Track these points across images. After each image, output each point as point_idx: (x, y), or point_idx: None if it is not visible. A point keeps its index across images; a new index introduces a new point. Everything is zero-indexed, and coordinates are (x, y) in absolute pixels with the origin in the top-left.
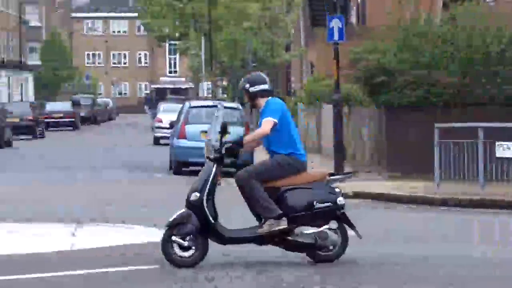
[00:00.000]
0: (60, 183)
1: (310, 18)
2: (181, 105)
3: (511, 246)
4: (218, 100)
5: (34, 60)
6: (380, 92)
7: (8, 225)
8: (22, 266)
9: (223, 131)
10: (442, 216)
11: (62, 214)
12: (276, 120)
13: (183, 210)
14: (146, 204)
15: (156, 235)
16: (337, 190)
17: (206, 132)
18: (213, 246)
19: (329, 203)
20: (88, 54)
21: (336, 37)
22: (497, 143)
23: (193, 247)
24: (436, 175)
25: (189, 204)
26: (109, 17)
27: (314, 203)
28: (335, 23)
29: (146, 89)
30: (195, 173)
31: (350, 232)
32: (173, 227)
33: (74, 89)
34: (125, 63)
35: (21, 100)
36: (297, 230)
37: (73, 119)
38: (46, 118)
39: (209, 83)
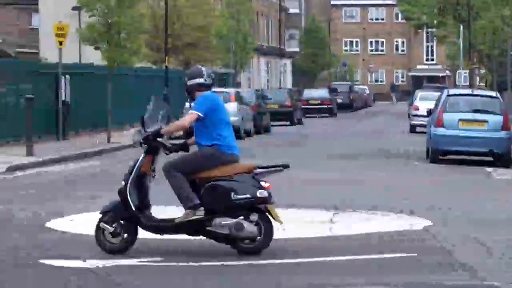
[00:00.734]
0: (319, 169)
1: None
2: (437, 93)
3: None
4: (476, 89)
5: (293, 47)
6: None
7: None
8: (279, 252)
9: (142, 124)
10: None
11: (321, 200)
12: (200, 114)
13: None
14: (403, 192)
15: (411, 223)
16: (262, 183)
17: (464, 120)
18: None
19: (248, 195)
20: (345, 42)
21: None
22: None
23: (121, 234)
24: None
25: (118, 192)
26: (368, 5)
27: (232, 194)
28: None
29: (402, 77)
30: (453, 162)
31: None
32: (104, 214)
33: (331, 76)
34: (382, 51)
35: (280, 87)
36: (217, 220)
37: (330, 106)
38: (303, 105)
39: (466, 71)
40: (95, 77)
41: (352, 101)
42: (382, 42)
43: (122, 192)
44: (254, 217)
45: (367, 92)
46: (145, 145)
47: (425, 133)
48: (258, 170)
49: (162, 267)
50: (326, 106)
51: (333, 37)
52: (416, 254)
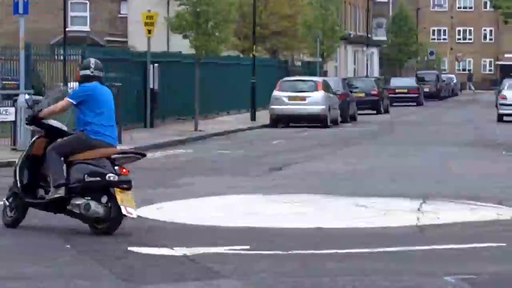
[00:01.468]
0: (405, 159)
1: None
2: None
3: None
4: None
5: (380, 35)
6: None
7: (355, 200)
8: (367, 239)
9: (30, 107)
10: None
11: (406, 190)
12: (72, 102)
13: None
14: (490, 181)
15: (498, 212)
16: (117, 168)
17: None
18: None
19: (98, 178)
20: (433, 30)
21: None
22: None
23: (13, 210)
24: None
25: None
26: None
27: (86, 176)
28: None
29: (490, 66)
30: None
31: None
32: (9, 190)
33: (418, 64)
34: (470, 39)
35: (366, 76)
36: (72, 200)
37: (417, 95)
38: (390, 93)
39: None
40: (182, 65)
41: (439, 90)
42: (470, 31)
43: (14, 170)
44: (104, 199)
45: (454, 81)
46: (32, 125)
47: None
48: (115, 156)
49: (251, 255)
50: (413, 95)
51: (421, 26)
52: (505, 244)
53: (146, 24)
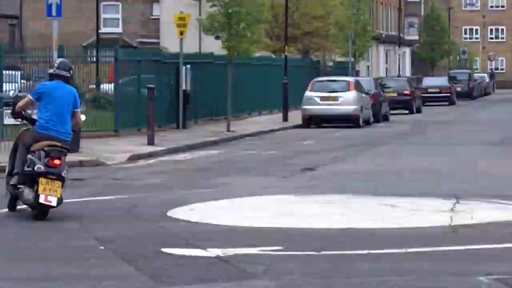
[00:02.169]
0: (438, 158)
1: None
2: None
3: None
4: None
5: (412, 35)
6: None
7: (385, 200)
8: (398, 240)
9: (14, 102)
10: None
11: (439, 189)
12: (31, 98)
13: None
14: None
15: None
16: (47, 159)
17: None
18: None
19: (31, 168)
20: (465, 29)
21: None
22: None
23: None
24: None
25: None
26: None
27: (25, 166)
28: None
29: None
30: None
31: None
32: None
33: (450, 64)
34: (502, 38)
35: (398, 75)
36: (21, 188)
37: (449, 94)
38: (422, 93)
39: None
40: (214, 66)
41: (471, 89)
42: (502, 30)
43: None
44: (36, 187)
45: (487, 80)
46: (17, 118)
47: None
48: (46, 148)
49: (283, 256)
50: (445, 94)
51: (453, 25)
52: None
53: (178, 25)
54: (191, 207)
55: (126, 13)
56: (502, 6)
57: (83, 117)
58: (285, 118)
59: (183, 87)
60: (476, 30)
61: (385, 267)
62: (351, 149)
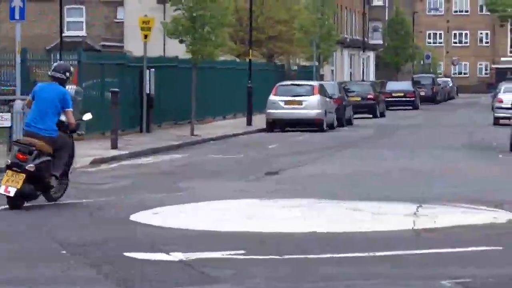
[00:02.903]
0: (402, 162)
1: None
2: None
3: None
4: None
5: (376, 39)
6: None
7: (351, 204)
8: (362, 244)
9: None
10: None
11: (403, 193)
12: (29, 98)
13: None
14: (486, 184)
15: (495, 216)
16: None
17: None
18: None
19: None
20: (429, 34)
21: None
22: None
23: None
24: None
25: None
26: None
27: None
28: None
29: (486, 69)
30: None
31: None
32: None
33: (414, 68)
34: (465, 43)
35: (362, 80)
36: None
37: (413, 99)
38: (386, 97)
39: None
40: (179, 70)
41: (435, 93)
42: (466, 34)
43: None
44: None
45: (450, 84)
46: None
47: (509, 125)
48: (15, 145)
49: (247, 260)
50: (409, 99)
51: (417, 30)
52: (501, 248)
53: (142, 29)
54: (155, 211)
55: (90, 17)
56: (466, 11)
57: (89, 116)
58: (249, 122)
59: (147, 91)
60: (440, 34)
61: (351, 271)
62: (316, 153)
